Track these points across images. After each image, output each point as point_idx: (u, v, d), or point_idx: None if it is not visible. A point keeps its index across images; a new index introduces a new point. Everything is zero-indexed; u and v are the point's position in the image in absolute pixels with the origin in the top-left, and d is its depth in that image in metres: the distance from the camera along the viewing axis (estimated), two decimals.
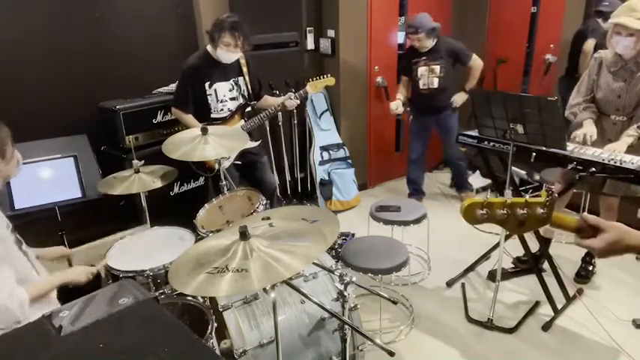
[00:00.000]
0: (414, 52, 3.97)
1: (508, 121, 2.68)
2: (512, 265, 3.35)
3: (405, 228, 3.05)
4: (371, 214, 3.12)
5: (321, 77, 3.34)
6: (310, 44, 4.30)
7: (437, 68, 3.92)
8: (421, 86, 4.00)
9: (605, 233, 1.19)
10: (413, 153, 4.34)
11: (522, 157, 2.82)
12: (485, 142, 3.02)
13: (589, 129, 2.79)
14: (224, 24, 2.92)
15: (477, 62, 3.98)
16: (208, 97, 3.10)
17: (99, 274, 2.12)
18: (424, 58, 3.92)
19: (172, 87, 3.47)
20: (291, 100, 3.26)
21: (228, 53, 2.99)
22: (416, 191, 4.49)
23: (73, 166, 2.75)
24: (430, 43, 3.86)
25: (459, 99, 4.04)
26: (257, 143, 3.34)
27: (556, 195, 1.17)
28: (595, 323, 2.75)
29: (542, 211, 1.17)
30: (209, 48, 3.06)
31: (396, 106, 4.00)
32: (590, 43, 4.07)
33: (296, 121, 4.15)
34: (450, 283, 3.24)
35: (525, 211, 1.18)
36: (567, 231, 1.23)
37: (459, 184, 4.53)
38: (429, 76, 3.95)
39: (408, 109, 4.21)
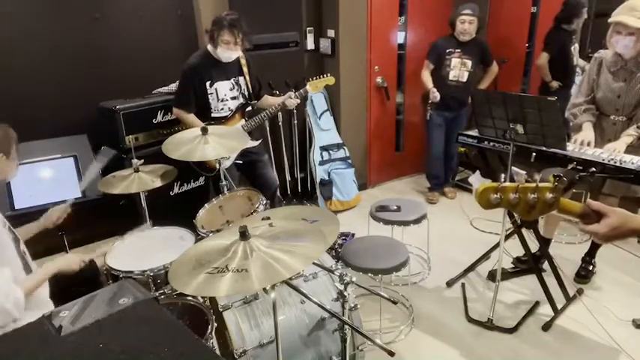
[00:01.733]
0: (448, 43, 4.04)
1: (508, 121, 2.68)
2: (512, 265, 3.35)
3: (405, 228, 3.05)
4: (371, 214, 3.12)
5: (321, 77, 3.34)
6: (310, 44, 4.30)
7: (469, 63, 4.02)
8: (451, 77, 4.06)
9: (608, 218, 1.23)
10: (435, 148, 4.36)
11: (522, 157, 2.82)
12: (486, 142, 3.02)
13: (587, 134, 2.80)
14: (223, 22, 2.91)
15: (495, 66, 4.21)
16: (209, 96, 3.10)
17: (96, 266, 2.11)
18: (459, 50, 4.00)
19: (172, 87, 3.47)
20: (291, 100, 3.26)
21: (228, 51, 2.99)
22: (439, 185, 4.56)
23: (73, 166, 2.76)
24: (473, 34, 3.96)
25: None
26: (257, 143, 3.34)
27: (564, 179, 1.20)
28: (595, 323, 2.75)
29: (551, 195, 1.23)
30: (209, 47, 3.06)
31: (434, 93, 4.03)
32: (543, 57, 4.13)
33: (296, 121, 4.16)
34: (450, 283, 3.24)
35: (535, 196, 1.24)
36: (572, 216, 1.29)
37: (447, 178, 4.62)
38: (460, 69, 4.03)
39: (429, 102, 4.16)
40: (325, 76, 3.35)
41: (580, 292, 3.06)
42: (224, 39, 2.94)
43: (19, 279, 1.78)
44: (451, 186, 4.67)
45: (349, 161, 4.46)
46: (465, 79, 4.05)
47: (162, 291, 2.14)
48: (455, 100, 4.13)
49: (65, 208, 2.31)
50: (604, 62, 2.82)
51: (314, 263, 1.97)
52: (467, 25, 3.89)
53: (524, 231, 2.97)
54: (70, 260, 1.95)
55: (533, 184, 1.24)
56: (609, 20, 2.67)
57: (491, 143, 2.98)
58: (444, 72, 4.07)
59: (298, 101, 3.30)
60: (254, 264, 1.38)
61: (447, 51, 4.03)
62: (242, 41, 2.97)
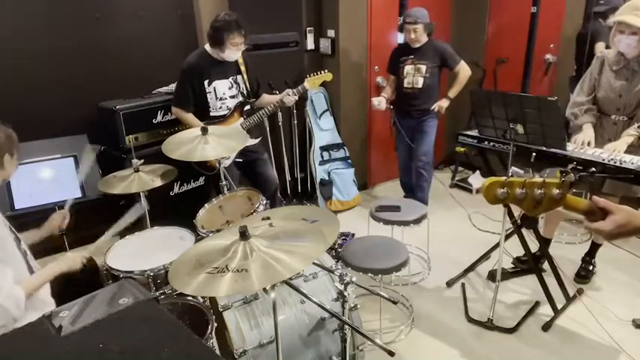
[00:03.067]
0: (402, 50, 3.94)
1: (508, 121, 2.68)
2: (512, 265, 3.35)
3: (405, 228, 3.05)
4: (371, 214, 3.12)
5: (319, 73, 3.34)
6: (310, 44, 4.30)
7: (423, 68, 3.85)
8: (405, 85, 3.91)
9: (613, 215, 1.21)
10: (402, 157, 4.26)
11: (522, 157, 2.82)
12: (486, 142, 3.02)
13: (587, 135, 2.79)
14: (231, 24, 2.90)
15: (464, 69, 3.88)
16: (208, 95, 3.10)
17: (96, 265, 2.11)
18: (412, 56, 3.87)
19: (172, 87, 3.47)
20: (289, 97, 3.26)
21: (236, 52, 3.02)
22: (411, 194, 4.46)
23: (73, 166, 2.76)
24: (424, 39, 3.81)
25: (440, 104, 3.89)
26: (257, 141, 3.34)
27: (571, 175, 1.20)
28: (595, 323, 2.75)
29: (557, 191, 1.22)
30: (207, 47, 3.06)
31: (378, 102, 3.91)
32: (600, 46, 4.03)
33: (296, 121, 4.15)
34: (450, 283, 3.24)
35: (542, 191, 1.23)
36: (578, 213, 1.27)
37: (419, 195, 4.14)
38: (414, 75, 3.88)
39: (392, 108, 4.09)
40: (323, 72, 3.35)
41: (580, 292, 3.06)
42: (234, 41, 2.94)
43: (21, 279, 1.78)
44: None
45: (349, 161, 4.46)
46: (419, 85, 3.85)
47: (162, 291, 2.14)
48: (413, 108, 3.95)
49: (65, 212, 2.31)
50: (606, 61, 2.82)
51: (314, 263, 1.97)
52: (412, 35, 3.74)
53: (524, 231, 2.97)
54: (72, 261, 1.96)
55: (541, 180, 1.23)
56: (612, 19, 2.67)
57: (491, 143, 2.98)
58: (400, 80, 3.93)
59: (296, 98, 3.30)
60: (254, 264, 1.37)
61: (401, 59, 3.90)
62: (246, 40, 2.99)
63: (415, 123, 4.04)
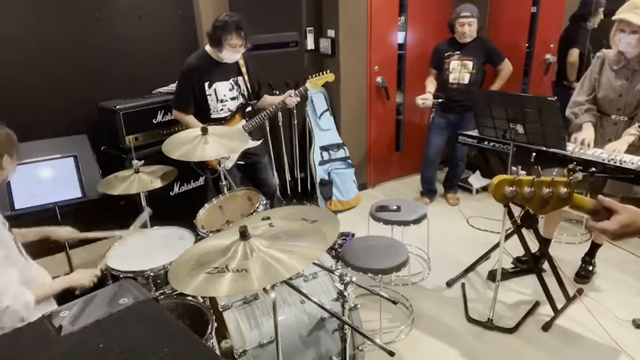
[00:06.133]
0: (448, 46, 3.99)
1: (508, 121, 2.68)
2: (512, 265, 3.35)
3: (405, 228, 3.05)
4: (371, 214, 3.12)
5: (321, 74, 3.34)
6: (310, 44, 4.30)
7: (470, 64, 3.93)
8: (451, 80, 3.99)
9: (618, 215, 1.20)
10: (431, 151, 4.30)
11: (522, 157, 2.82)
12: (486, 142, 3.02)
13: (587, 134, 2.79)
14: (230, 25, 2.89)
15: (507, 66, 4.03)
16: (208, 97, 3.09)
17: (103, 275, 2.11)
18: (458, 52, 3.93)
19: (172, 87, 3.47)
20: (291, 98, 3.25)
21: (234, 54, 3.00)
22: (429, 191, 4.48)
23: (73, 166, 2.76)
24: (474, 35, 3.89)
25: None
26: (258, 143, 3.34)
27: (579, 173, 1.19)
28: (595, 323, 2.75)
29: (565, 190, 1.20)
30: (208, 48, 3.05)
31: (423, 101, 3.98)
32: (574, 54, 4.07)
33: (296, 121, 4.16)
34: (450, 283, 3.24)
35: (550, 190, 1.21)
36: (583, 212, 1.26)
37: (452, 184, 4.54)
38: (460, 71, 3.95)
39: (439, 101, 4.11)
40: (325, 73, 3.35)
41: (580, 292, 3.06)
42: (232, 42, 2.92)
43: (26, 279, 1.79)
44: (454, 192, 4.54)
45: (349, 161, 4.46)
46: (466, 81, 3.96)
47: (162, 291, 2.14)
48: (458, 103, 4.05)
49: (74, 233, 2.31)
50: (606, 61, 2.82)
51: (314, 263, 1.97)
52: (466, 28, 3.83)
53: (524, 231, 2.97)
54: (83, 277, 1.97)
55: (549, 178, 1.21)
56: (613, 18, 2.66)
57: (492, 143, 2.98)
58: (445, 76, 4.02)
59: (298, 99, 3.29)
60: (254, 264, 1.37)
61: (446, 54, 3.99)
62: (246, 42, 2.98)
63: (458, 118, 4.11)
